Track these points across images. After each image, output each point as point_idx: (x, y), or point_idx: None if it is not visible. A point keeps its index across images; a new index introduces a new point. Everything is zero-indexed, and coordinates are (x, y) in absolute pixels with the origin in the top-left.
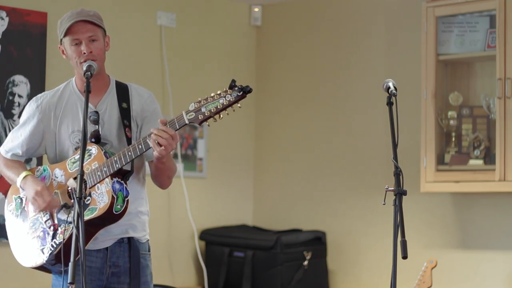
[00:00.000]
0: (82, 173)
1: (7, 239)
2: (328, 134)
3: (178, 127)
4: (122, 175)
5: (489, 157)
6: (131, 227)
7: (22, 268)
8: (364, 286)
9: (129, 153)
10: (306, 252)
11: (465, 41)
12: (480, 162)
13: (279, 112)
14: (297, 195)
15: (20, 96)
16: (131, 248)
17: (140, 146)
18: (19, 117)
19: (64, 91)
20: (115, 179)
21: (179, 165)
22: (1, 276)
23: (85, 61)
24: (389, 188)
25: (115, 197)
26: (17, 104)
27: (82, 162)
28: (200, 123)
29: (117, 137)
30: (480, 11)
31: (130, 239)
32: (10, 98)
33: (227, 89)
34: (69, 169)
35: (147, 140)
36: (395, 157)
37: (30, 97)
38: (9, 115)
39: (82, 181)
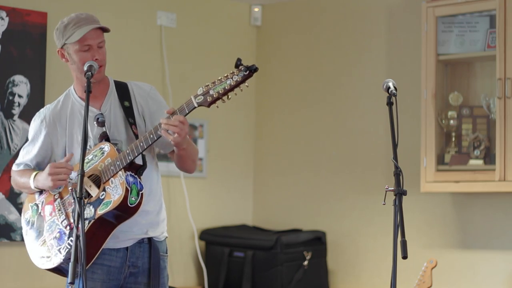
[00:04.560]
0: (82, 173)
1: (7, 239)
2: (328, 134)
3: (187, 112)
4: (135, 169)
5: (489, 157)
6: (150, 227)
7: (22, 268)
8: (364, 286)
9: (141, 144)
10: (306, 252)
11: (465, 41)
12: (480, 162)
13: (279, 112)
14: (297, 195)
15: (20, 96)
16: (152, 249)
17: (151, 136)
18: (19, 117)
19: (65, 101)
20: (128, 173)
21: None
22: (1, 276)
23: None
24: (389, 188)
25: (129, 189)
26: (17, 104)
27: (83, 162)
28: (209, 105)
29: (126, 136)
30: (480, 11)
31: (150, 239)
32: (10, 98)
33: (234, 69)
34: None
35: (157, 131)
36: (395, 157)
37: (30, 97)
38: (9, 115)
39: (83, 181)
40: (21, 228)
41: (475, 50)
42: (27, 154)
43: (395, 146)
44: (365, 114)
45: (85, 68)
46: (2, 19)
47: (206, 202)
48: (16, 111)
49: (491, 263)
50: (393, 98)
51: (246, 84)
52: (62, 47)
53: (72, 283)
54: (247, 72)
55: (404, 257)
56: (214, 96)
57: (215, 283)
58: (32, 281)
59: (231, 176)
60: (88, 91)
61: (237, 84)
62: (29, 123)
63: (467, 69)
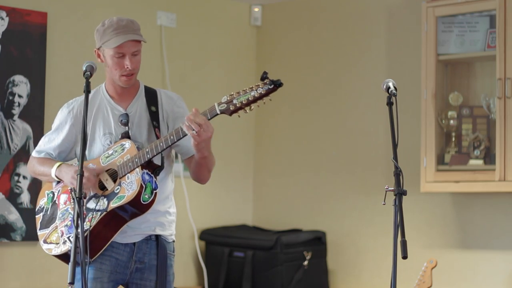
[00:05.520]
0: (81, 173)
1: (7, 239)
2: (328, 134)
3: (209, 117)
4: (152, 169)
5: (489, 157)
6: (159, 225)
7: (22, 268)
8: (364, 286)
9: (161, 144)
10: (306, 252)
11: (465, 41)
12: (480, 162)
13: (279, 112)
14: (297, 195)
15: (20, 96)
16: (159, 246)
17: (171, 137)
18: (19, 117)
19: (95, 95)
20: (145, 171)
21: (179, 165)
22: (1, 276)
23: (126, 75)
24: (389, 188)
25: (144, 186)
26: (17, 104)
27: (82, 162)
28: (231, 113)
29: (147, 138)
30: (480, 11)
31: (157, 237)
32: (10, 98)
33: (259, 82)
34: (102, 163)
35: (178, 133)
36: (395, 157)
37: (30, 97)
38: (9, 115)
39: (82, 181)
40: (21, 228)
41: (475, 50)
42: (49, 142)
43: (395, 146)
44: (365, 114)
45: (84, 68)
46: (2, 19)
47: (206, 202)
48: (16, 111)
49: (491, 263)
50: (393, 98)
51: (270, 97)
52: (98, 48)
53: (72, 283)
54: (272, 86)
55: (404, 257)
56: (237, 105)
57: (215, 283)
58: (32, 281)
59: (231, 176)
60: (87, 91)
61: (261, 97)
62: (29, 123)
63: (467, 69)
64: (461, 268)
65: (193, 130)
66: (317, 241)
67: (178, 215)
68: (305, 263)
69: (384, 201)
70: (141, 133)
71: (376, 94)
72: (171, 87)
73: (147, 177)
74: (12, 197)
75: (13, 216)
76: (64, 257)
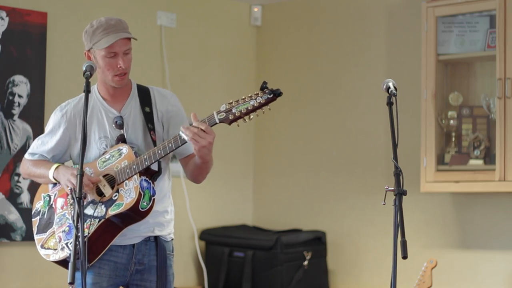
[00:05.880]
0: (81, 173)
1: (7, 239)
2: (328, 134)
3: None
4: (150, 175)
5: (489, 157)
6: (157, 226)
7: (22, 268)
8: (364, 286)
9: (159, 151)
10: (306, 252)
11: (465, 41)
12: (480, 162)
13: (279, 112)
14: (297, 195)
15: (20, 96)
16: (158, 247)
17: (170, 145)
18: (19, 117)
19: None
20: (143, 177)
21: (180, 165)
22: (1, 276)
23: (119, 75)
24: (389, 188)
25: (142, 193)
26: (17, 104)
27: (82, 162)
28: (230, 123)
29: (143, 141)
30: (480, 11)
31: (156, 238)
32: (10, 98)
33: (258, 91)
34: (99, 168)
35: (177, 138)
36: (395, 157)
37: (30, 97)
38: (9, 115)
39: (82, 181)
40: (21, 228)
41: (475, 50)
42: (43, 145)
43: (395, 146)
44: (365, 114)
45: (84, 68)
46: (2, 19)
47: (206, 202)
48: (16, 111)
49: (491, 263)
50: (393, 98)
51: (269, 107)
52: (89, 50)
53: (72, 283)
54: (271, 95)
55: (404, 257)
56: (236, 114)
57: (215, 283)
58: (32, 281)
59: (231, 176)
60: (87, 91)
61: (260, 106)
62: (29, 123)
63: (467, 69)
64: (461, 268)
65: (191, 136)
66: (317, 241)
67: (178, 215)
68: (305, 263)
69: (384, 201)
70: (137, 135)
71: (376, 94)
72: (171, 87)
73: (145, 184)
74: (12, 197)
75: (13, 216)
76: (63, 263)
